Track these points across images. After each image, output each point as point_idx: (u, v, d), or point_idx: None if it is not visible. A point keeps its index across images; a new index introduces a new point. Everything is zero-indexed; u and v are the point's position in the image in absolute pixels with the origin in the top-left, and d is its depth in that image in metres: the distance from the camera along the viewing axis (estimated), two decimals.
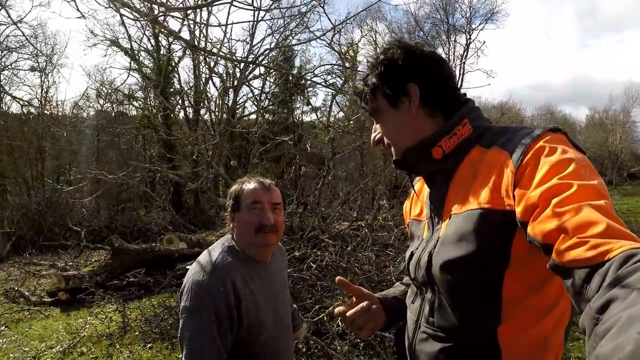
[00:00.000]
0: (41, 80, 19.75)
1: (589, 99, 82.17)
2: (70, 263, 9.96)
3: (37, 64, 19.09)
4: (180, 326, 1.61)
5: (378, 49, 1.44)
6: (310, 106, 19.06)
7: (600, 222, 0.80)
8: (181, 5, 3.25)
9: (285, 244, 6.26)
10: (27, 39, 15.04)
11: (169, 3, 3.18)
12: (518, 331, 1.05)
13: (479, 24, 29.36)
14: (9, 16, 10.99)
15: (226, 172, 8.33)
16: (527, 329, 1.05)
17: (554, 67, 79.79)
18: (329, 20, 4.14)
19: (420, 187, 1.43)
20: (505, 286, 1.04)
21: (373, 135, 1.36)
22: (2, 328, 6.70)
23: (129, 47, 15.93)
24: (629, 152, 34.15)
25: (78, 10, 2.90)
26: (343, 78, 16.78)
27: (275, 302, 1.82)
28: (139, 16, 3.04)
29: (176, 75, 17.51)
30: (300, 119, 19.02)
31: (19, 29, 13.44)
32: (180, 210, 14.75)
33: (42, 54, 18.62)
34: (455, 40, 29.19)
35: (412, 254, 1.28)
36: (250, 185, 1.79)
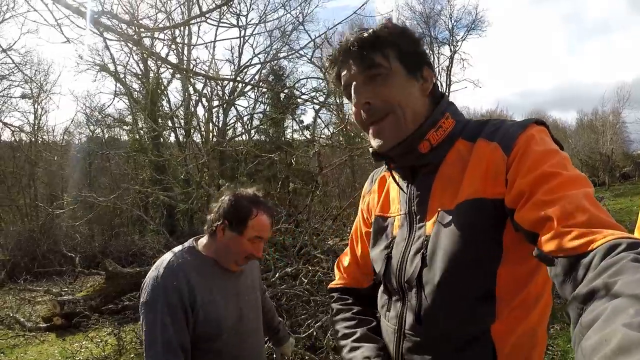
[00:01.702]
0: (34, 107, 19.76)
1: (577, 103, 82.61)
2: (65, 289, 9.94)
3: (29, 91, 19.06)
4: (140, 321, 1.72)
5: None
6: (301, 123, 19.10)
7: (586, 211, 0.82)
8: (161, 26, 3.33)
9: (278, 261, 6.31)
10: (17, 66, 15.03)
11: (149, 25, 3.25)
12: (511, 326, 1.04)
13: (462, 35, 28.61)
14: None
15: (217, 192, 8.36)
16: (519, 322, 1.04)
17: (541, 73, 79.98)
18: (309, 35, 4.25)
19: (383, 181, 1.37)
20: (498, 283, 1.03)
21: (358, 102, 1.14)
22: None
23: (115, 70, 15.89)
24: (620, 153, 34.08)
25: (63, 34, 2.98)
26: (325, 93, 16.78)
27: (239, 301, 1.88)
28: (122, 38, 3.12)
29: (165, 97, 17.54)
30: (292, 137, 19.08)
31: (9, 57, 13.40)
32: (174, 233, 14.71)
33: (33, 80, 18.59)
34: (439, 52, 28.54)
35: (389, 256, 1.21)
36: (262, 217, 1.81)
